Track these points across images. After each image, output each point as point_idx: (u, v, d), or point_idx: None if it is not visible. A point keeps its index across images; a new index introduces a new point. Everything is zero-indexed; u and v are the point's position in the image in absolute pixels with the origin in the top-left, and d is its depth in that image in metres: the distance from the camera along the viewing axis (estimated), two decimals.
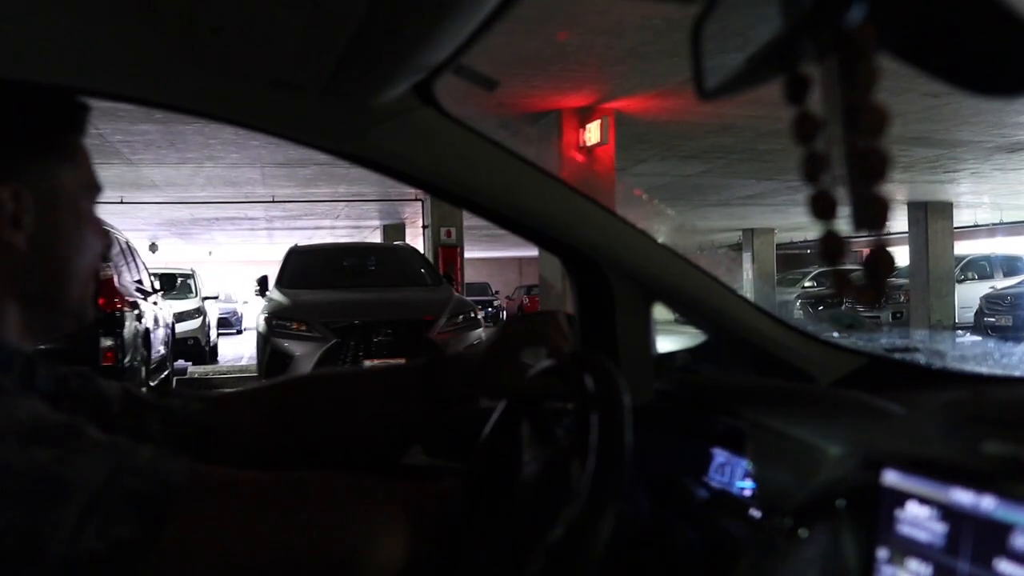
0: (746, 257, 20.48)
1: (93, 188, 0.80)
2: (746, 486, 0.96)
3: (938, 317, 13.43)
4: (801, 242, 23.31)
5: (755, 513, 0.90)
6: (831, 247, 0.39)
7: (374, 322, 6.36)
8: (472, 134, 1.10)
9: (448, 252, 10.53)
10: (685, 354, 1.32)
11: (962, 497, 0.57)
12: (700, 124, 7.08)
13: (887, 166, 0.36)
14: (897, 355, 1.22)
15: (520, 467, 1.07)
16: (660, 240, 1.18)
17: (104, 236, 0.81)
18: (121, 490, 0.59)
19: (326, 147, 1.10)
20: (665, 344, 1.28)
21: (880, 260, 0.36)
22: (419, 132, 1.05)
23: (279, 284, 7.44)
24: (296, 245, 8.46)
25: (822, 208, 0.40)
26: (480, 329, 6.74)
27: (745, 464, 0.97)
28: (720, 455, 1.04)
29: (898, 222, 14.54)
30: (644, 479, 0.96)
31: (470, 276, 24.63)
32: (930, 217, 13.86)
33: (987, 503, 0.55)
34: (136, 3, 0.80)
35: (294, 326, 6.41)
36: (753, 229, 19.97)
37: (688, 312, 1.20)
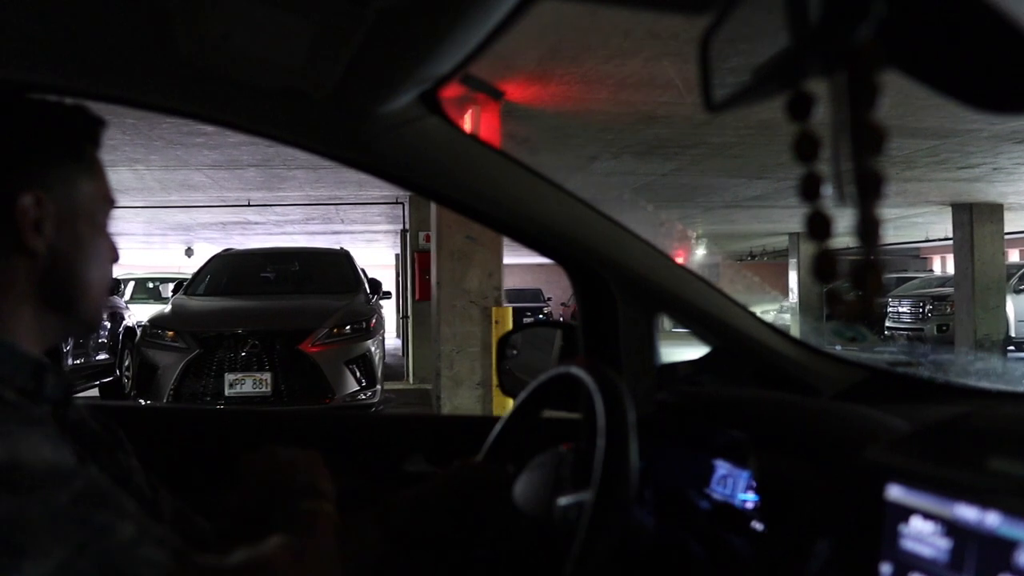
0: (792, 264, 18.49)
1: (108, 200, 0.82)
2: (748, 499, 0.96)
3: (985, 331, 12.17)
4: (860, 247, 22.52)
5: (757, 526, 0.90)
6: (826, 266, 0.39)
7: (244, 332, 5.92)
8: (478, 143, 1.10)
9: (424, 257, 9.68)
10: (688, 365, 1.32)
11: (966, 513, 0.57)
12: (615, 114, 6.60)
13: (883, 184, 0.36)
14: (900, 369, 1.22)
15: (522, 479, 1.07)
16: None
17: (113, 249, 0.83)
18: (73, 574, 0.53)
19: (333, 154, 1.10)
20: (668, 355, 1.28)
21: (867, 276, 0.36)
22: (425, 140, 1.06)
23: (185, 290, 7.12)
24: (227, 249, 8.18)
25: (818, 227, 0.40)
26: (369, 340, 6.19)
27: (747, 476, 0.97)
28: (722, 467, 1.03)
29: (944, 227, 13.59)
30: (647, 490, 0.96)
31: (525, 282, 23.89)
32: (976, 220, 12.40)
33: (991, 519, 0.55)
34: (146, 8, 0.80)
35: (169, 335, 6.03)
36: (799, 233, 17.51)
37: (691, 323, 1.20)
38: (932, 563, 0.58)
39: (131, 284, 13.46)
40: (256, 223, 14.91)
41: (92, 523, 0.56)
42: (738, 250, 23.22)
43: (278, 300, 6.69)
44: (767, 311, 20.12)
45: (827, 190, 0.40)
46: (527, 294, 21.85)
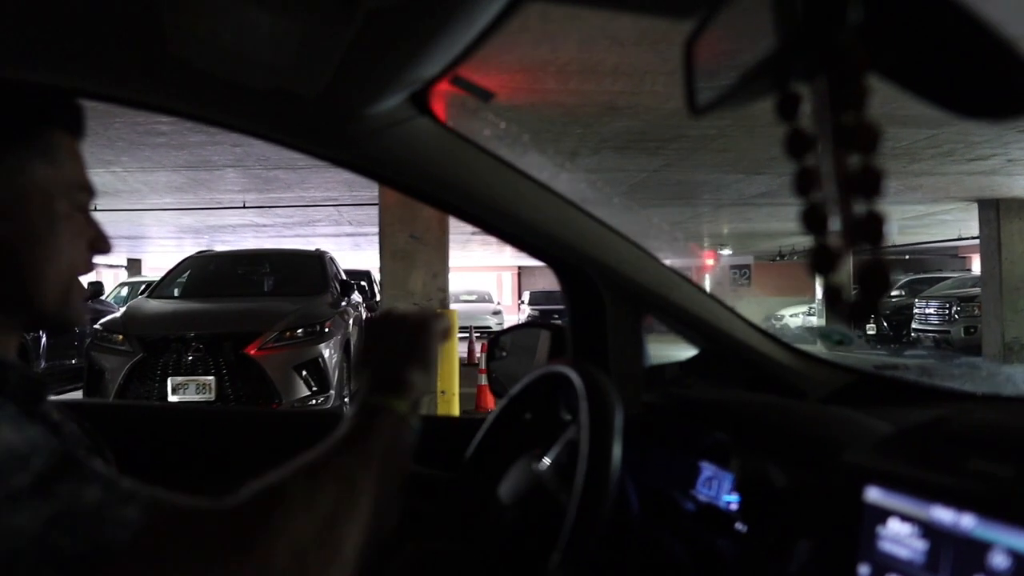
0: None
1: (75, 188, 0.75)
2: (732, 500, 0.96)
3: (1014, 334, 11.48)
4: (892, 247, 19.06)
5: (740, 527, 0.90)
6: (823, 261, 0.39)
7: (189, 335, 5.76)
8: (468, 144, 1.10)
9: None
10: (675, 367, 1.33)
11: (943, 515, 0.57)
12: (573, 105, 6.25)
13: (881, 183, 0.36)
14: (887, 372, 1.22)
15: (509, 477, 1.07)
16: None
17: (97, 239, 0.78)
18: (48, 549, 0.53)
19: (323, 154, 1.10)
20: (657, 356, 1.28)
21: (873, 276, 0.37)
22: (415, 141, 1.06)
23: (151, 292, 7.01)
24: (202, 251, 8.08)
25: (814, 222, 0.40)
26: (322, 344, 5.92)
27: (732, 478, 0.97)
28: (707, 469, 1.04)
29: (972, 224, 12.79)
30: (632, 491, 0.97)
31: (554, 284, 23.29)
32: (1003, 217, 11.63)
33: (967, 521, 0.55)
34: (135, 6, 0.80)
35: (118, 339, 5.87)
36: None
37: (679, 325, 1.21)
38: (909, 564, 0.59)
39: (142, 287, 13.45)
40: (265, 225, 14.74)
41: (58, 495, 0.55)
42: (767, 250, 22.60)
43: (236, 302, 6.48)
44: (797, 313, 19.76)
45: (822, 185, 0.40)
46: (556, 296, 21.58)
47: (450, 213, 1.19)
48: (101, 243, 0.78)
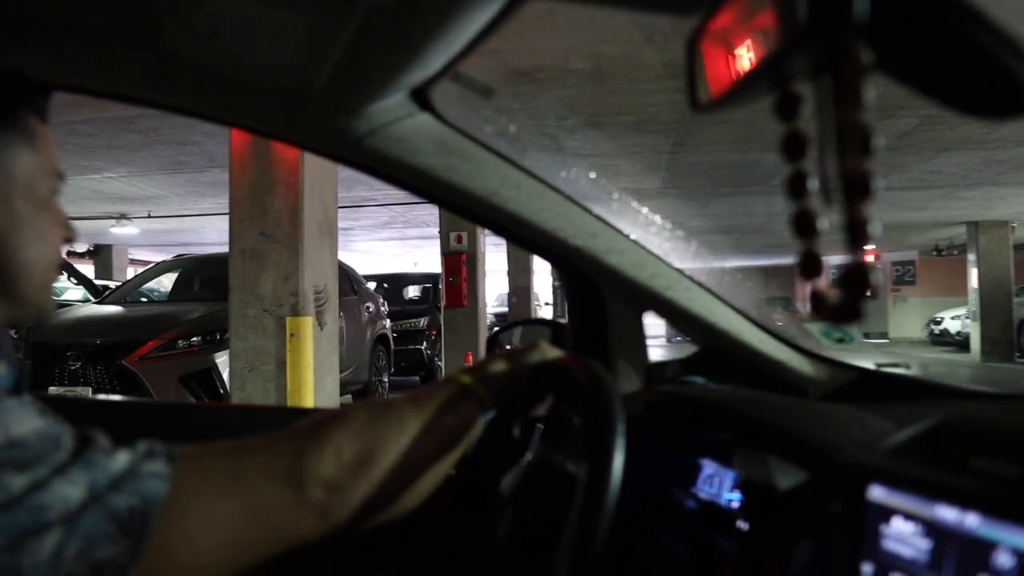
0: (971, 260, 14.90)
1: (53, 175, 0.74)
2: (734, 498, 0.96)
3: None
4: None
5: (742, 525, 0.90)
6: (810, 265, 0.39)
7: (70, 344, 5.55)
8: (469, 140, 1.10)
9: (452, 260, 8.83)
10: (676, 364, 1.33)
11: (947, 514, 0.57)
12: (478, 71, 5.80)
13: (871, 183, 0.36)
14: (888, 370, 1.22)
15: (510, 473, 1.07)
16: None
17: (66, 227, 0.76)
18: (101, 509, 0.57)
19: (325, 152, 1.10)
20: (657, 354, 1.28)
21: (856, 278, 0.36)
22: (416, 138, 1.06)
23: (103, 299, 6.93)
24: (179, 255, 7.97)
25: (803, 226, 0.40)
26: (217, 353, 5.49)
27: (733, 476, 0.97)
28: (709, 467, 1.04)
29: None
30: (632, 490, 0.96)
31: None
32: None
33: (971, 520, 0.55)
34: (135, 5, 0.80)
35: (22, 344, 5.68)
36: (977, 223, 14.36)
37: (679, 323, 1.20)
38: (912, 563, 0.58)
39: None
40: (342, 229, 14.49)
41: (95, 463, 0.59)
42: (919, 244, 19.61)
43: (142, 308, 6.32)
44: (957, 315, 17.10)
45: (813, 188, 0.40)
46: None
47: (451, 210, 1.18)
48: (70, 232, 0.77)
